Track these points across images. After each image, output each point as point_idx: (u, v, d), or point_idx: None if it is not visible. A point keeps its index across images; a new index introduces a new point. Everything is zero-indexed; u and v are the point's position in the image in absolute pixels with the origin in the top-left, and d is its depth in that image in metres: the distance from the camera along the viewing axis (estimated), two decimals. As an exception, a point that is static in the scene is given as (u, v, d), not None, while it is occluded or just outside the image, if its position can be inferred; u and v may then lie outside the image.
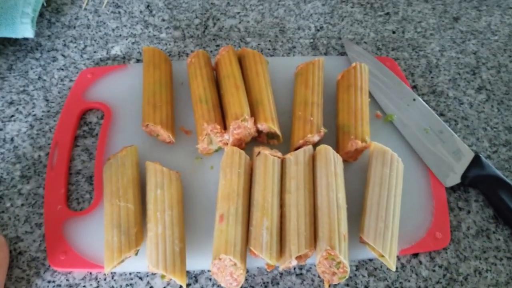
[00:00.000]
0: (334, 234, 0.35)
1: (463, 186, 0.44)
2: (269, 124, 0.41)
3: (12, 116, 0.48)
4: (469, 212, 0.42)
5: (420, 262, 0.40)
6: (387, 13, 0.57)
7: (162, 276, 0.37)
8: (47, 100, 0.49)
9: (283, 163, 0.41)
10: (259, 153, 0.40)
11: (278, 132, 0.42)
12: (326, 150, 0.40)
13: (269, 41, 0.54)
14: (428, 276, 0.39)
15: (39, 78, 0.51)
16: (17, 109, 0.48)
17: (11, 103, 0.49)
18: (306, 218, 0.37)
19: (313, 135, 0.41)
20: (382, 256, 0.37)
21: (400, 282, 0.39)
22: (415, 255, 0.40)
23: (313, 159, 0.41)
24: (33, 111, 0.48)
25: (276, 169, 0.39)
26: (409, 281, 0.39)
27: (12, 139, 0.46)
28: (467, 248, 0.40)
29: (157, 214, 0.37)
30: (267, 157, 0.40)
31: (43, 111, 0.48)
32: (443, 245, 0.40)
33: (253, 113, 0.42)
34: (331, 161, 0.39)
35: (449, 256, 0.40)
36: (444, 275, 0.39)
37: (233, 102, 0.42)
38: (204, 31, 0.55)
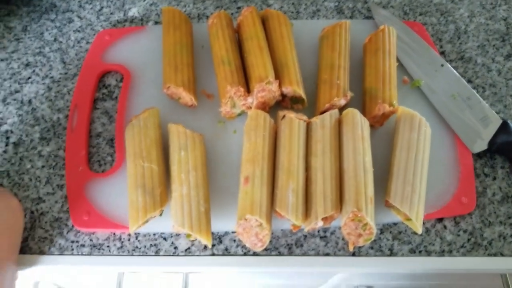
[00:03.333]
0: (361, 197, 0.35)
1: (489, 153, 0.43)
2: (295, 88, 0.40)
3: (29, 78, 0.47)
4: (495, 178, 0.42)
5: (445, 227, 0.39)
6: (414, -23, 0.54)
7: (188, 235, 0.37)
8: (64, 62, 0.48)
9: (308, 127, 0.40)
10: (284, 116, 0.40)
11: (304, 96, 0.41)
12: (353, 113, 0.39)
13: (292, 3, 0.52)
14: (452, 241, 0.39)
15: (55, 39, 0.49)
16: (33, 71, 0.47)
17: (27, 64, 0.47)
18: (332, 181, 0.36)
19: (340, 98, 0.40)
20: (408, 219, 0.37)
21: (425, 246, 0.39)
22: (440, 220, 0.40)
23: (339, 123, 0.40)
24: (50, 73, 0.47)
25: (302, 132, 0.39)
26: (433, 244, 0.39)
27: (30, 101, 0.45)
28: (492, 213, 0.40)
29: (181, 175, 0.37)
30: (292, 120, 0.39)
31: (60, 73, 0.47)
32: (469, 210, 0.39)
33: (278, 76, 0.41)
34: (358, 125, 0.38)
35: (474, 221, 0.40)
36: (469, 240, 0.39)
37: (257, 64, 0.41)
38: (224, -7, 0.53)
